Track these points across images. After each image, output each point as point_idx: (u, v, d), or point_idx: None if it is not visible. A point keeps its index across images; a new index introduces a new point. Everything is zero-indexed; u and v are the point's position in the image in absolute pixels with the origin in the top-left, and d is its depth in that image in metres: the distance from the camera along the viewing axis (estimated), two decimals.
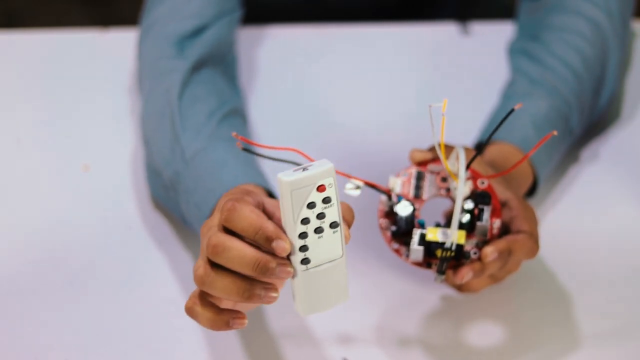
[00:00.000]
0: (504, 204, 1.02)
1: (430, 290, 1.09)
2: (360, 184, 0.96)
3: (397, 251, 0.98)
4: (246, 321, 0.89)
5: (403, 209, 0.97)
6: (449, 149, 0.98)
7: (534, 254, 1.00)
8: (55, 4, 2.18)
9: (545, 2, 1.27)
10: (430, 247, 0.96)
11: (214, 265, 0.88)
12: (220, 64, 1.23)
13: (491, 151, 1.14)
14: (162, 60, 1.20)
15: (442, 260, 0.95)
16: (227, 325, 0.89)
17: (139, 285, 1.10)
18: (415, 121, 1.23)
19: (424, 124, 0.94)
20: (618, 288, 1.10)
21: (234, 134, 0.93)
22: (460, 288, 1.05)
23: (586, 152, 1.23)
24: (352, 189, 0.96)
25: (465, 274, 0.96)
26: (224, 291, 0.88)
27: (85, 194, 1.19)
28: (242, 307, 0.92)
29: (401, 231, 0.98)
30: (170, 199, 1.13)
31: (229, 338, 1.05)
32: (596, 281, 1.10)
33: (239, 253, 0.87)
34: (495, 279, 1.04)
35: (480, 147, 1.15)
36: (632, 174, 1.21)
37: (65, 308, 1.08)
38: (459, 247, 0.95)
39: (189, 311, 0.90)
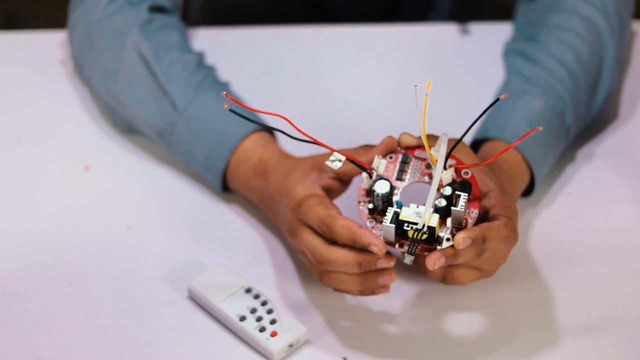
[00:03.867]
0: (484, 195, 1.01)
1: (429, 287, 1.09)
2: (342, 157, 0.97)
3: (372, 229, 0.98)
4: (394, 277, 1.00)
5: (380, 187, 0.98)
6: (436, 138, 0.99)
7: (510, 242, 0.99)
8: (55, 4, 2.18)
9: (542, 2, 1.27)
10: (403, 228, 0.96)
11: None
12: (172, 8, 1.28)
13: (484, 149, 1.14)
14: (112, 15, 1.22)
15: (413, 241, 0.96)
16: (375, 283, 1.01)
17: (139, 285, 1.10)
18: (414, 121, 1.23)
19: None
20: (615, 287, 1.10)
21: (224, 93, 0.97)
22: (446, 280, 1.05)
23: (583, 152, 1.23)
24: (332, 161, 0.98)
25: (437, 259, 0.95)
26: (344, 284, 1.02)
27: (85, 194, 1.19)
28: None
29: (378, 209, 0.99)
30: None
31: (228, 337, 1.05)
32: (593, 280, 1.10)
33: (343, 260, 0.99)
34: (484, 272, 1.04)
35: (474, 141, 1.16)
36: (629, 173, 1.21)
37: (65, 308, 1.08)
38: (431, 230, 0.95)
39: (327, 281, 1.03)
